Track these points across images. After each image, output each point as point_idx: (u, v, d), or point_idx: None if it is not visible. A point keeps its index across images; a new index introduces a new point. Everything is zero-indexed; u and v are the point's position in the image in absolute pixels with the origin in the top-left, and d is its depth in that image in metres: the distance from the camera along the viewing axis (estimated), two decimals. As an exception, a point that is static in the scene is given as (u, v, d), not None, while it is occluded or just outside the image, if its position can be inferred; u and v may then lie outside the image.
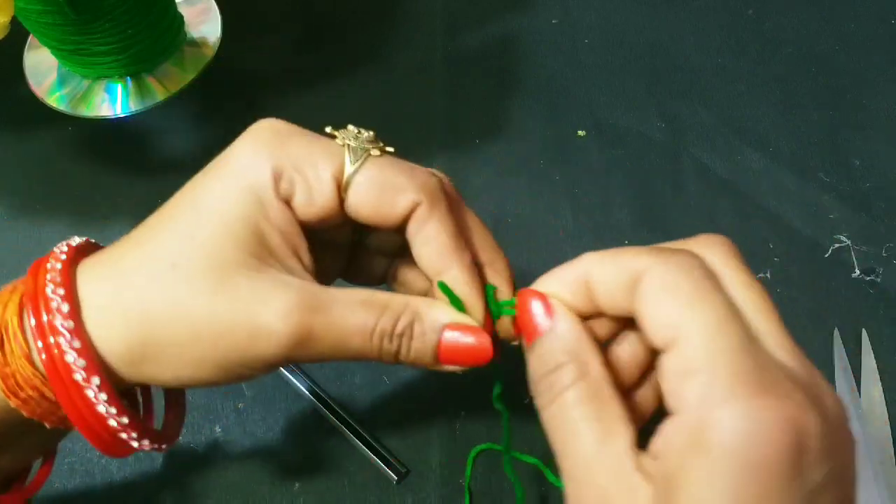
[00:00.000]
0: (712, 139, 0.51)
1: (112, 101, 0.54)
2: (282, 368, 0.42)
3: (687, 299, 0.23)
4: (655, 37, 0.57)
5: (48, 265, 0.28)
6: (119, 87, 0.54)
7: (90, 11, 0.48)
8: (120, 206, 0.50)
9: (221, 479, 0.40)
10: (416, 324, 0.28)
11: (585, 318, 0.26)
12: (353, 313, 0.27)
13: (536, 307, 0.26)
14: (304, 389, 0.42)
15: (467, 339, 0.28)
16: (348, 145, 0.28)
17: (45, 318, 0.26)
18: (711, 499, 0.20)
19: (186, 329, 0.26)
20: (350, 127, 0.29)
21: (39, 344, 0.26)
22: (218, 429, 0.41)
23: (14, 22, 0.42)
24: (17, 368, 0.27)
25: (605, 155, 0.51)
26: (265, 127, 0.28)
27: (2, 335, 0.27)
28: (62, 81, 0.55)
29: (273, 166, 0.27)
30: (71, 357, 0.26)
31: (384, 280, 0.33)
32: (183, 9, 0.57)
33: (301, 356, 0.27)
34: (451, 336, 0.28)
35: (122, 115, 0.54)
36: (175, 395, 0.33)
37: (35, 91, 0.55)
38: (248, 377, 0.28)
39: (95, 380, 0.26)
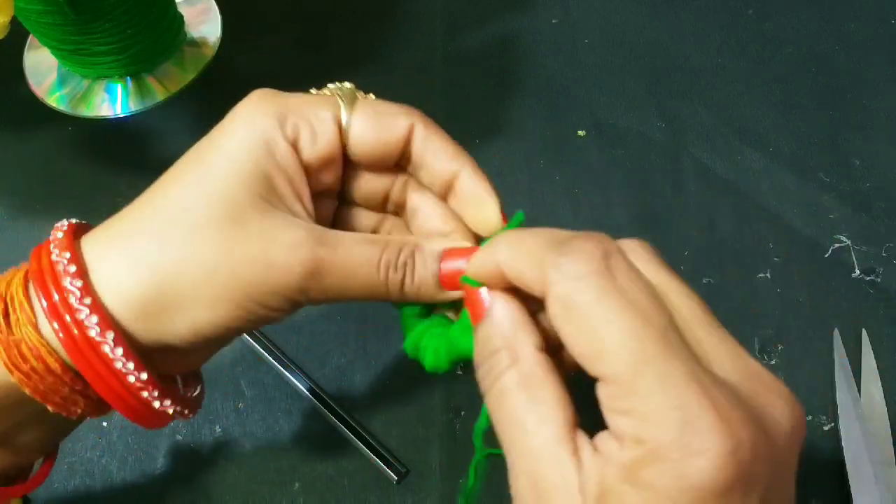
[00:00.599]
0: (712, 139, 0.51)
1: (112, 101, 0.54)
2: (281, 368, 0.42)
3: (596, 312, 0.21)
4: (655, 37, 0.57)
5: (50, 237, 0.28)
6: (119, 87, 0.54)
7: (90, 11, 0.48)
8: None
9: (221, 479, 0.40)
10: (417, 254, 0.29)
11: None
12: (360, 246, 0.28)
13: (479, 292, 0.27)
14: (304, 389, 0.42)
15: (462, 263, 0.29)
16: (337, 94, 0.30)
17: (51, 282, 0.26)
18: None
19: (200, 269, 0.27)
20: (330, 84, 0.31)
21: (44, 303, 0.26)
22: (218, 429, 0.41)
23: (14, 22, 0.42)
24: (22, 336, 0.27)
25: (605, 155, 0.51)
26: (260, 91, 0.31)
27: (7, 306, 0.27)
28: (62, 81, 0.55)
29: (277, 112, 0.29)
30: (83, 314, 0.26)
31: None
32: (183, 9, 0.57)
33: (314, 291, 0.28)
34: (450, 259, 0.29)
35: (122, 115, 0.54)
36: (193, 372, 0.33)
37: (35, 91, 0.55)
38: (264, 320, 0.28)
39: (110, 334, 0.26)
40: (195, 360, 0.31)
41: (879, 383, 0.41)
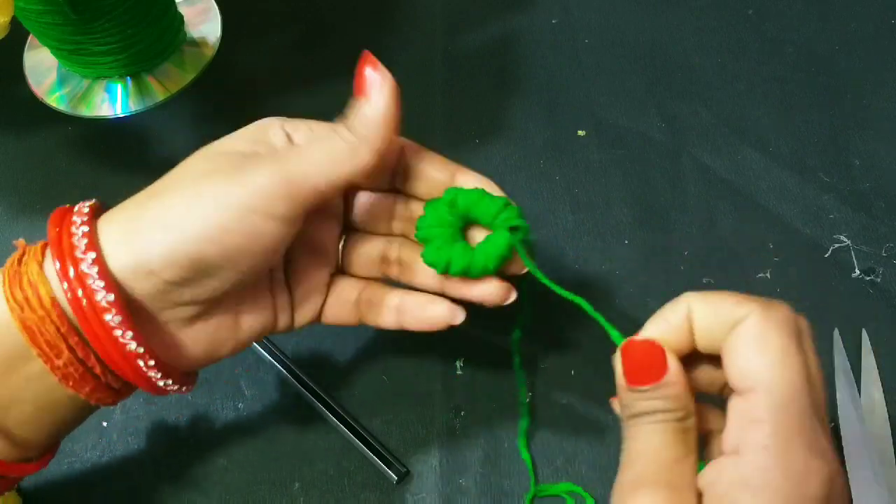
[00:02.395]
0: (712, 139, 0.51)
1: (112, 101, 0.54)
2: (281, 368, 0.42)
3: (775, 354, 0.25)
4: (655, 37, 0.57)
5: (75, 208, 0.31)
6: (119, 87, 0.54)
7: (90, 11, 0.48)
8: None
9: (221, 479, 0.40)
10: (350, 117, 0.32)
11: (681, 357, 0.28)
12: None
13: (656, 351, 0.28)
14: (304, 390, 0.42)
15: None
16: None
17: (65, 237, 0.29)
18: None
19: (179, 191, 0.30)
20: None
21: (57, 264, 0.28)
22: (218, 429, 0.41)
23: (14, 22, 0.42)
24: (26, 270, 0.28)
25: (605, 155, 0.51)
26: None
27: (24, 252, 0.30)
28: (62, 81, 0.55)
29: (277, 119, 0.33)
30: (91, 280, 0.28)
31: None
32: (183, 9, 0.57)
33: (300, 172, 0.30)
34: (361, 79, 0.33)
35: (121, 115, 0.54)
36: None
37: (35, 91, 0.55)
38: (252, 234, 0.29)
39: (111, 296, 0.28)
40: (202, 337, 0.32)
41: (879, 383, 0.41)
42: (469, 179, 0.34)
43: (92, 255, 0.28)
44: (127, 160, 0.52)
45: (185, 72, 0.55)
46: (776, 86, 0.54)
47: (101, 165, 0.52)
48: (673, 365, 0.27)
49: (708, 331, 0.27)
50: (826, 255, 0.46)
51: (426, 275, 0.35)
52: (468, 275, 0.33)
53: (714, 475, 0.25)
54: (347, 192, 0.35)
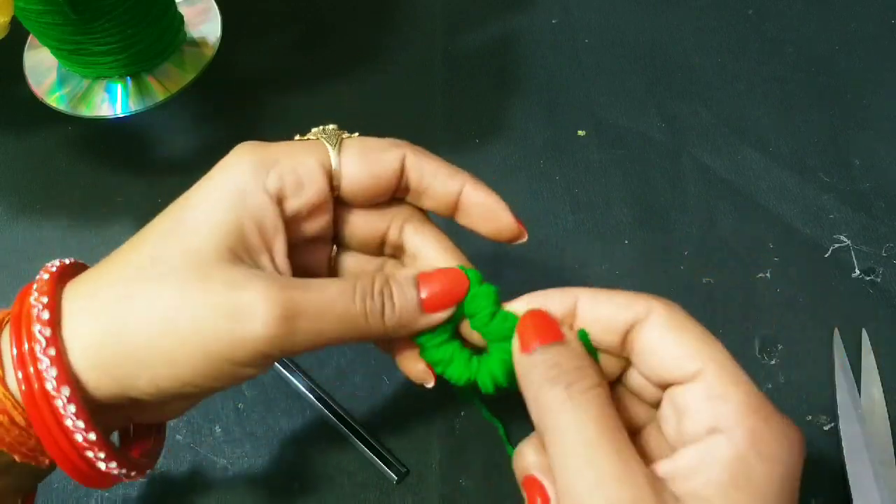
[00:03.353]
0: (712, 139, 0.51)
1: (112, 101, 0.54)
2: (281, 368, 0.42)
3: (702, 338, 0.26)
4: (655, 37, 0.57)
5: (36, 277, 0.28)
6: (119, 87, 0.54)
7: (90, 11, 0.48)
8: (120, 206, 0.50)
9: (221, 479, 0.40)
10: (392, 282, 0.29)
11: None
12: (333, 284, 0.28)
13: (548, 319, 0.27)
14: (304, 389, 0.42)
15: (441, 276, 0.29)
16: (322, 137, 0.30)
17: (24, 328, 0.26)
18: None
19: (159, 322, 0.26)
20: (313, 129, 0.31)
21: (14, 351, 0.26)
22: (218, 429, 0.41)
23: (14, 22, 0.42)
24: None
25: (605, 155, 0.51)
26: (244, 144, 0.30)
27: None
28: (62, 81, 0.55)
29: (257, 166, 0.28)
30: (43, 364, 0.25)
31: None
32: (183, 9, 0.57)
33: (286, 338, 0.26)
34: (426, 280, 0.29)
35: (121, 115, 0.54)
36: (156, 425, 0.33)
37: (35, 91, 0.55)
38: (233, 377, 0.27)
39: (65, 389, 0.26)
40: (171, 411, 0.31)
41: (879, 383, 0.41)
42: (474, 198, 0.31)
43: (66, 390, 0.26)
44: (127, 160, 0.52)
45: (185, 72, 0.55)
46: (776, 86, 0.54)
47: (101, 165, 0.52)
48: (567, 329, 0.27)
49: (596, 327, 0.27)
50: (826, 255, 0.46)
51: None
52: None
53: (696, 460, 0.24)
54: (340, 213, 0.32)
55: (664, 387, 0.27)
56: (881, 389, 0.41)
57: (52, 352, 0.26)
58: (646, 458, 0.25)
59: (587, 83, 0.55)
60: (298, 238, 0.30)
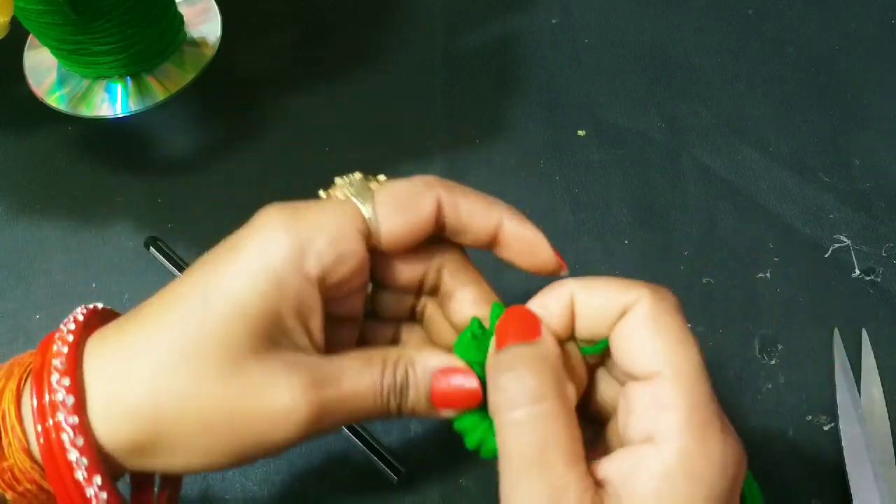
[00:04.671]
0: (712, 139, 0.51)
1: (112, 101, 0.54)
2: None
3: (674, 339, 0.25)
4: (655, 37, 0.57)
5: (54, 347, 0.27)
6: (119, 87, 0.54)
7: (90, 11, 0.48)
8: (120, 207, 0.50)
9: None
10: (410, 371, 0.28)
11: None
12: (361, 377, 0.28)
13: (530, 316, 0.27)
14: (304, 389, 0.42)
15: (457, 382, 0.28)
16: (351, 193, 0.29)
17: (48, 409, 0.26)
18: None
19: (197, 420, 0.26)
20: (337, 180, 0.30)
21: (40, 433, 0.26)
22: (218, 429, 0.41)
23: (14, 22, 0.42)
24: (14, 462, 0.26)
25: (605, 155, 0.51)
26: (271, 211, 0.28)
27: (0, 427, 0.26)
28: (62, 81, 0.55)
29: (293, 246, 0.27)
30: (73, 456, 0.25)
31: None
32: (183, 9, 0.57)
33: (317, 431, 0.27)
34: (441, 380, 0.28)
35: (121, 115, 0.54)
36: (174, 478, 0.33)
37: (35, 91, 0.55)
38: (262, 458, 0.28)
39: (97, 479, 0.26)
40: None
41: (879, 383, 0.41)
42: (512, 233, 0.30)
43: (98, 478, 0.26)
44: (127, 160, 0.52)
45: (185, 72, 0.55)
46: (776, 86, 0.54)
47: (101, 165, 0.52)
48: (547, 331, 0.27)
49: (592, 318, 0.27)
50: (826, 255, 0.46)
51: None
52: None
53: (628, 465, 0.24)
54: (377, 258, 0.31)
55: (630, 380, 0.26)
56: (881, 389, 0.41)
57: (81, 442, 0.26)
58: (608, 448, 0.26)
59: (587, 83, 0.55)
60: (335, 298, 0.30)
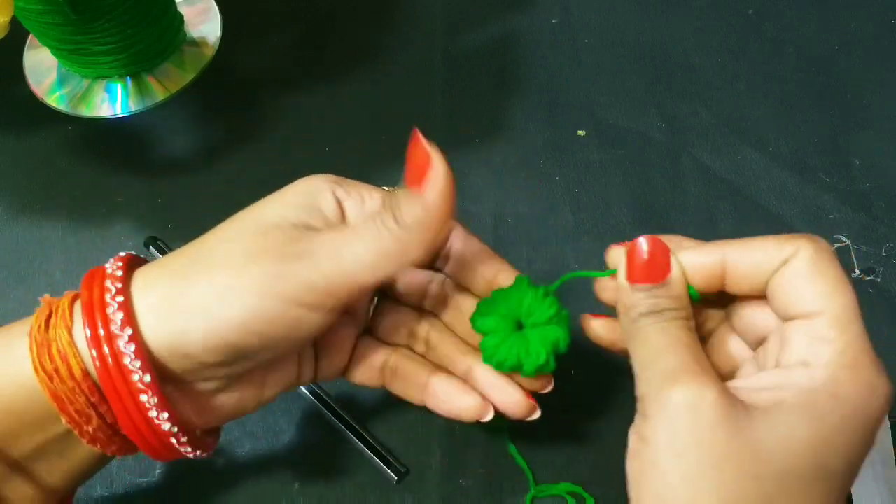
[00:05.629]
0: (712, 139, 0.51)
1: (112, 101, 0.54)
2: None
3: (833, 283, 0.27)
4: (655, 37, 0.57)
5: (107, 265, 0.30)
6: (119, 87, 0.54)
7: (90, 11, 0.48)
8: (120, 206, 0.50)
9: (221, 480, 0.40)
10: (390, 201, 0.31)
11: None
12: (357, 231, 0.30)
13: (656, 253, 0.30)
14: (304, 389, 0.42)
15: (413, 151, 0.32)
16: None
17: (97, 308, 0.27)
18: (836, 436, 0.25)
19: (235, 252, 0.28)
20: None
21: (88, 332, 0.27)
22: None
23: (14, 22, 0.42)
24: (55, 337, 0.27)
25: (605, 155, 0.51)
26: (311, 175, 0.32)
27: (51, 313, 0.28)
28: (62, 81, 0.55)
29: (329, 178, 0.32)
30: (122, 345, 0.27)
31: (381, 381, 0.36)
32: (183, 9, 0.57)
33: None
34: (408, 167, 0.32)
35: (121, 115, 0.54)
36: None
37: (35, 91, 0.55)
38: (295, 325, 0.29)
39: (147, 377, 0.27)
40: (232, 400, 0.32)
41: (879, 383, 0.41)
42: (508, 279, 0.34)
43: (128, 331, 0.27)
44: (127, 160, 0.52)
45: (185, 72, 0.55)
46: (776, 86, 0.54)
47: (101, 165, 0.52)
48: (676, 266, 0.29)
49: (747, 273, 0.29)
50: (826, 255, 0.46)
51: (452, 361, 0.34)
52: (521, 370, 0.33)
53: (775, 381, 0.26)
54: None
55: (787, 320, 0.28)
56: (881, 389, 0.41)
57: (130, 331, 0.27)
58: None
59: (587, 83, 0.55)
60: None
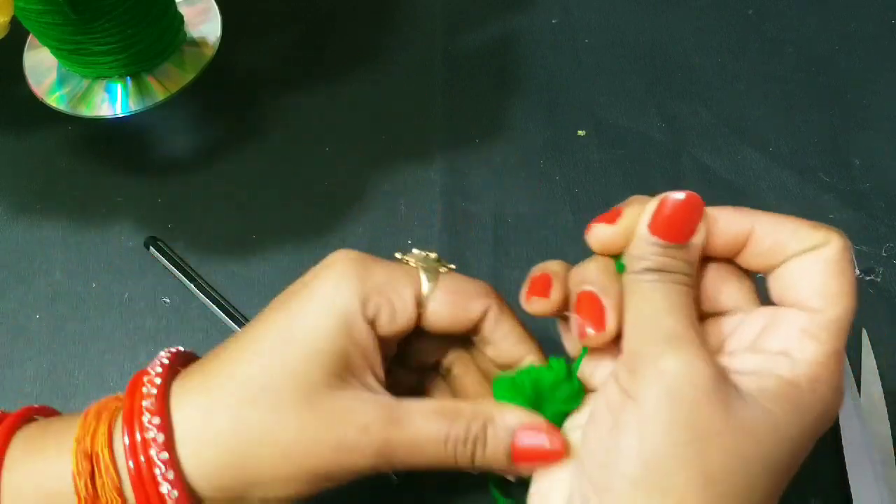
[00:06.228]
0: (712, 139, 0.51)
1: (112, 101, 0.54)
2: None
3: (847, 287, 0.27)
4: (655, 37, 0.57)
5: (143, 389, 0.29)
6: (119, 87, 0.54)
7: (90, 11, 0.48)
8: (120, 206, 0.50)
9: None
10: (489, 427, 0.29)
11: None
12: (428, 424, 0.29)
13: (689, 214, 0.29)
14: (304, 389, 0.42)
15: (541, 440, 0.29)
16: (421, 266, 0.32)
17: (139, 446, 0.27)
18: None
19: (277, 450, 0.28)
20: (415, 251, 0.33)
21: (132, 469, 0.27)
22: (218, 429, 0.41)
23: (14, 22, 0.42)
24: (107, 501, 0.27)
25: (605, 155, 0.51)
26: (344, 258, 0.31)
27: (92, 466, 0.27)
28: (62, 81, 0.55)
29: (360, 292, 0.30)
30: (165, 489, 0.27)
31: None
32: (183, 8, 0.57)
33: (383, 466, 0.29)
34: (524, 437, 0.29)
35: (121, 115, 0.54)
36: None
37: (35, 91, 0.55)
38: (334, 485, 0.30)
39: None
40: None
41: (879, 383, 0.41)
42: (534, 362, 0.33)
43: (171, 476, 0.27)
44: (127, 160, 0.52)
45: (185, 72, 0.55)
46: (776, 86, 0.54)
47: (101, 165, 0.52)
48: (702, 231, 0.29)
49: (768, 251, 0.28)
50: (826, 255, 0.46)
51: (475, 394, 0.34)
52: None
53: (756, 365, 0.26)
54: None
55: (781, 305, 0.28)
56: (881, 389, 0.41)
57: (172, 475, 0.27)
58: None
59: (587, 83, 0.55)
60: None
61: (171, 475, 0.27)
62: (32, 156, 0.53)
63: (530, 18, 0.58)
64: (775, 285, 0.28)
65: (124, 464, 0.27)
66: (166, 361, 0.30)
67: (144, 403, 0.28)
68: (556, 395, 0.30)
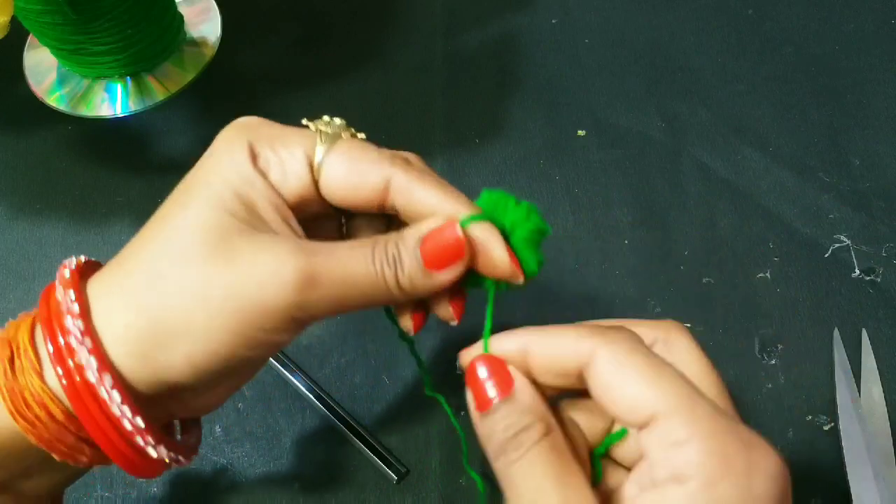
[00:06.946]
0: (712, 139, 0.51)
1: (112, 101, 0.54)
2: (281, 368, 0.42)
3: (651, 374, 0.24)
4: (655, 37, 0.57)
5: (57, 275, 0.28)
6: (119, 87, 0.54)
7: (90, 11, 0.48)
8: (120, 206, 0.50)
9: (221, 480, 0.40)
10: (400, 243, 0.28)
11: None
12: (352, 250, 0.27)
13: (493, 373, 0.27)
14: (304, 389, 0.42)
15: (441, 237, 0.27)
16: (320, 130, 0.29)
17: (56, 322, 0.26)
18: None
19: (189, 298, 0.26)
20: (324, 117, 0.30)
21: (49, 347, 0.26)
22: (218, 429, 0.41)
23: (14, 22, 0.42)
24: (26, 384, 0.26)
25: (604, 155, 0.51)
26: (239, 119, 0.30)
27: (13, 352, 0.27)
28: (62, 81, 0.55)
29: (248, 143, 0.28)
30: (82, 356, 0.26)
31: None
32: (183, 8, 0.57)
33: (312, 302, 0.27)
34: (428, 239, 0.28)
35: (121, 115, 0.54)
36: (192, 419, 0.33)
37: (35, 91, 0.55)
38: (266, 345, 0.27)
39: (107, 377, 0.26)
40: (209, 399, 0.30)
41: (879, 383, 0.41)
42: (472, 229, 0.29)
43: (108, 378, 0.26)
44: (127, 160, 0.52)
45: (185, 72, 0.55)
46: (776, 86, 0.54)
47: (101, 165, 0.52)
48: (518, 377, 0.26)
49: (548, 369, 0.26)
50: (826, 255, 0.46)
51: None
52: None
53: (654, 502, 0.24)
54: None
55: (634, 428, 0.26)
56: (881, 389, 0.41)
57: (89, 342, 0.26)
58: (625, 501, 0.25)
59: (587, 83, 0.55)
60: (307, 222, 0.30)
61: (88, 343, 0.26)
62: (32, 156, 0.53)
63: (530, 18, 0.58)
64: (612, 415, 0.26)
65: (42, 344, 0.26)
66: (74, 260, 0.29)
67: (58, 284, 0.27)
68: (509, 214, 0.29)
